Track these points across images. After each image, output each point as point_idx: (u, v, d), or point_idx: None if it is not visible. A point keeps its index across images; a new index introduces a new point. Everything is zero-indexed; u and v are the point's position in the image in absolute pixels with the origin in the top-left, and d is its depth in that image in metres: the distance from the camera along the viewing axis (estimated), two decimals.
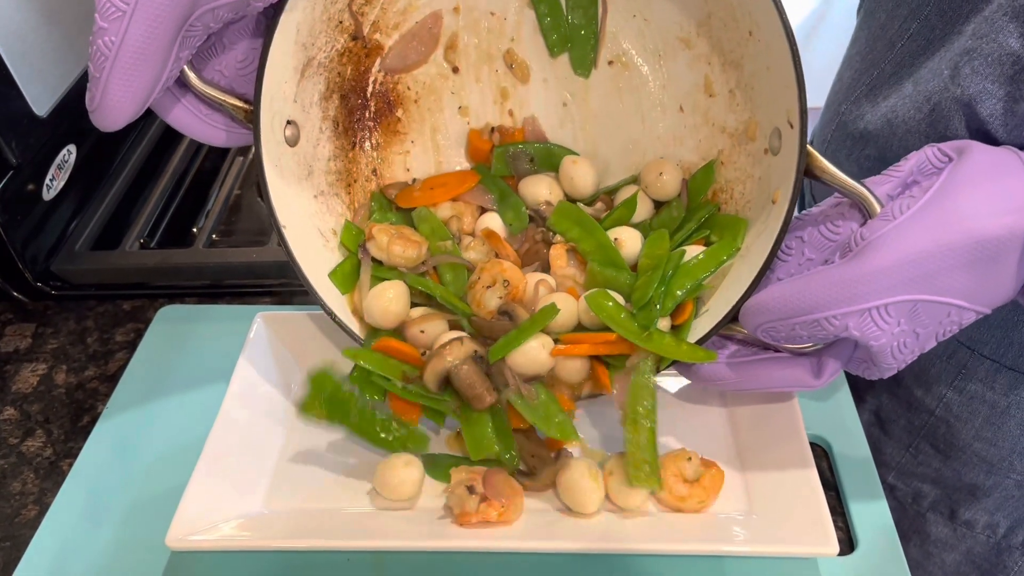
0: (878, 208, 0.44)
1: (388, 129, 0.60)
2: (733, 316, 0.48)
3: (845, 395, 0.65)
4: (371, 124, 0.59)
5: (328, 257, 0.55)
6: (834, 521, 0.50)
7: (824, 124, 0.73)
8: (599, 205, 0.59)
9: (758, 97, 0.52)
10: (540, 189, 0.59)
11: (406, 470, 0.52)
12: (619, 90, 0.59)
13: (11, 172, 0.69)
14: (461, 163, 0.62)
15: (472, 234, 0.59)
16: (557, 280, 0.55)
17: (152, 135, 0.89)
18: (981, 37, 0.51)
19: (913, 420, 0.69)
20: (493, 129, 0.61)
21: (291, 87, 0.52)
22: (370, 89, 0.58)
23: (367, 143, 0.59)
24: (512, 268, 0.54)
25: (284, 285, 0.76)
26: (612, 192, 0.60)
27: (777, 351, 0.49)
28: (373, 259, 0.56)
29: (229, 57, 0.49)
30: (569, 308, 0.52)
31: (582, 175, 0.59)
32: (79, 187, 0.79)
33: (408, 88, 0.59)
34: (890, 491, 0.73)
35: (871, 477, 0.59)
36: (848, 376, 0.68)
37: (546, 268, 0.56)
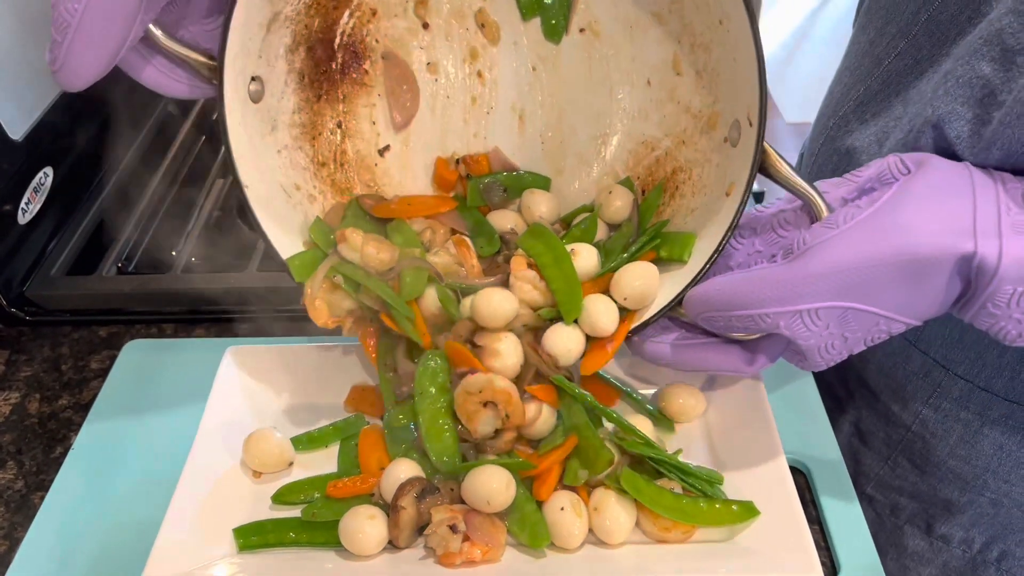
0: (825, 212, 0.45)
1: (355, 81, 0.59)
2: (679, 301, 0.50)
3: (823, 419, 0.65)
4: (338, 76, 0.58)
5: (291, 215, 0.55)
6: (816, 545, 0.50)
7: (813, 138, 0.73)
8: (556, 227, 0.59)
9: (723, 84, 0.53)
10: (506, 221, 0.60)
11: (370, 523, 0.50)
12: (589, 58, 0.59)
13: None
14: (425, 120, 0.61)
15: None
16: (515, 284, 0.54)
17: (131, 158, 0.88)
18: (959, 60, 0.52)
19: (891, 434, 0.70)
20: (459, 160, 0.61)
21: (256, 43, 0.51)
22: (337, 41, 0.57)
23: (333, 95, 0.58)
24: (514, 396, 0.52)
25: (264, 312, 0.75)
26: (569, 220, 0.60)
27: (717, 338, 0.51)
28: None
29: (193, 12, 0.48)
30: (547, 419, 0.53)
31: (538, 203, 0.60)
32: (56, 210, 0.78)
33: (376, 41, 0.59)
34: (869, 502, 0.74)
35: (851, 500, 0.60)
36: (830, 389, 0.68)
37: (506, 282, 0.55)
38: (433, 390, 0.54)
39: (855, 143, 0.65)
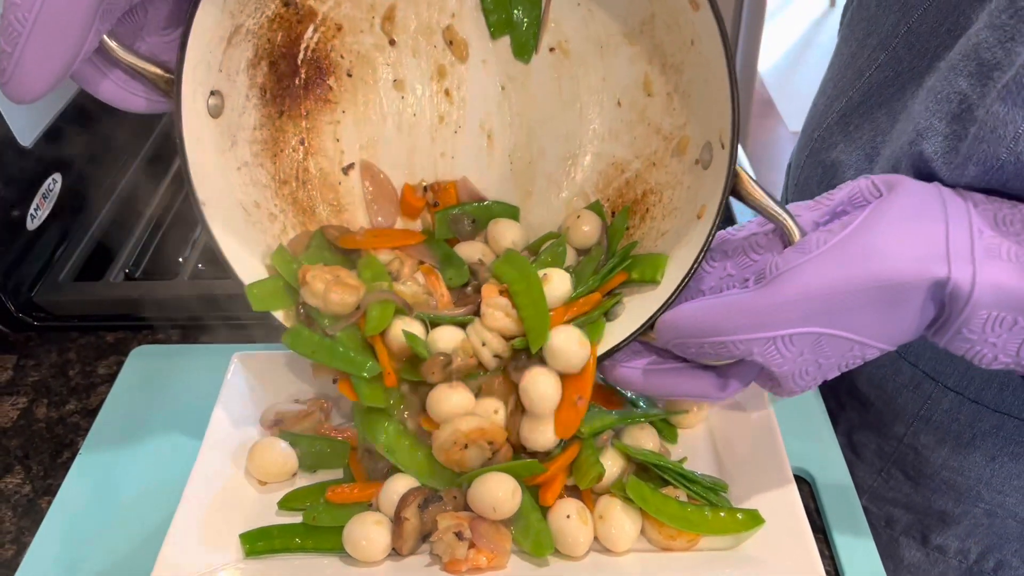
0: (797, 237, 0.45)
1: (319, 98, 0.58)
2: (650, 325, 0.49)
3: (827, 428, 0.65)
4: (301, 92, 0.57)
5: (250, 232, 0.53)
6: (820, 553, 0.50)
7: (799, 149, 0.73)
8: (524, 255, 0.58)
9: (695, 106, 0.52)
10: (474, 252, 0.59)
11: (375, 529, 0.50)
12: (559, 78, 0.58)
13: None
14: (391, 138, 0.60)
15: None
16: (486, 312, 0.53)
17: (138, 164, 0.89)
18: (940, 75, 0.52)
19: (883, 446, 0.70)
20: (426, 188, 0.60)
21: (216, 56, 0.50)
22: (301, 56, 0.56)
23: (296, 111, 0.57)
24: (490, 427, 0.52)
25: (270, 319, 0.75)
26: (536, 248, 0.59)
27: (688, 363, 0.50)
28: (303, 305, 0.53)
29: (151, 23, 0.47)
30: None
31: (504, 233, 0.59)
32: (64, 216, 0.78)
33: (342, 57, 0.57)
34: (864, 514, 0.73)
35: (855, 509, 0.60)
36: (823, 400, 0.68)
37: (476, 311, 0.54)
38: (407, 443, 0.53)
39: (840, 156, 0.64)
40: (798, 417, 0.65)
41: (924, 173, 0.49)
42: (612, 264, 0.54)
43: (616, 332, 0.51)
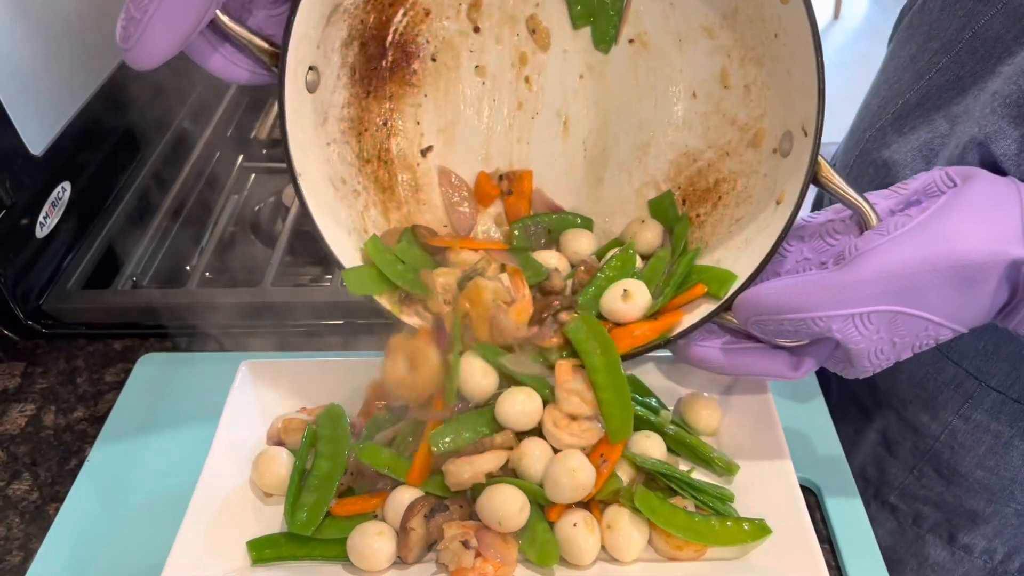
0: (875, 221, 0.46)
1: (403, 81, 0.60)
2: (727, 306, 0.50)
3: (833, 438, 0.65)
4: (387, 74, 0.59)
5: (337, 207, 0.56)
6: (827, 564, 0.50)
7: (847, 150, 0.74)
8: (592, 261, 0.59)
9: (774, 97, 0.53)
10: (550, 259, 0.60)
11: (378, 540, 0.50)
12: (636, 69, 0.60)
13: (4, 211, 0.69)
14: (470, 122, 0.62)
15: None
16: (562, 396, 0.53)
17: (147, 173, 0.89)
18: (1008, 80, 0.53)
19: (918, 444, 0.71)
20: (502, 176, 0.62)
21: (317, 32, 0.52)
22: (390, 39, 0.58)
23: (381, 92, 0.59)
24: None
25: (278, 327, 0.75)
26: (601, 254, 0.60)
27: (762, 343, 0.51)
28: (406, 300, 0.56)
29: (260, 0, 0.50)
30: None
31: (578, 240, 0.61)
32: (73, 224, 0.79)
33: (427, 42, 0.59)
34: (891, 511, 0.74)
35: (861, 519, 0.60)
36: (856, 398, 0.68)
37: (548, 335, 0.55)
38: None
39: (894, 156, 0.66)
40: (805, 428, 0.65)
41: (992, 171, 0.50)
42: (680, 274, 0.55)
43: (696, 312, 0.52)
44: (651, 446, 0.56)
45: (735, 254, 0.53)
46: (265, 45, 0.50)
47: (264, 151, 0.97)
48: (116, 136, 0.85)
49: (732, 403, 0.61)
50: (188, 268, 0.84)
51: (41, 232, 0.74)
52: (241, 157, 0.97)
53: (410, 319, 0.55)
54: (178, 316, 0.75)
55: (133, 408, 0.67)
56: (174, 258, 0.85)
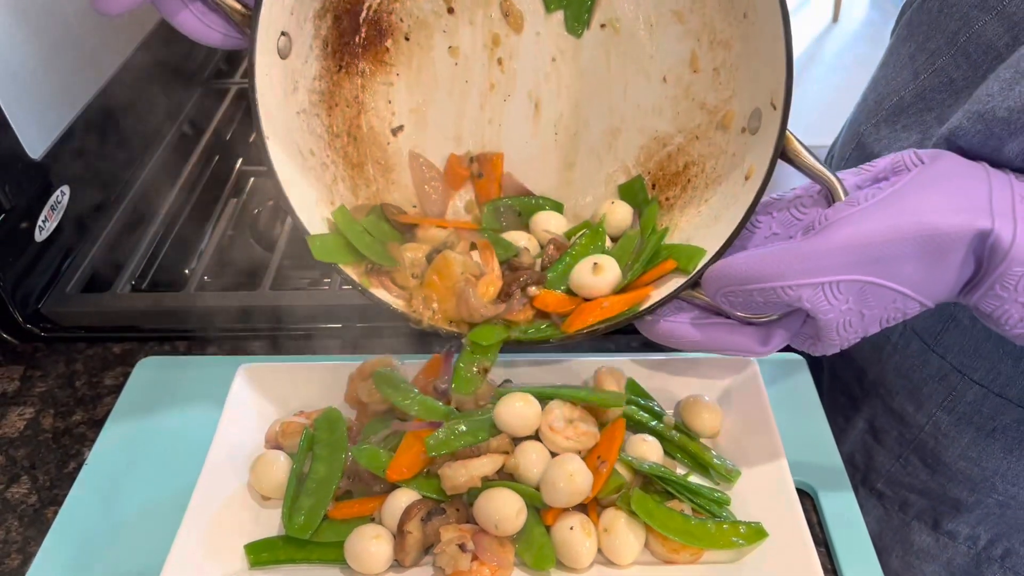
0: (843, 195, 0.47)
1: (375, 58, 0.60)
2: (695, 281, 0.50)
3: (829, 442, 0.65)
4: (359, 50, 0.59)
5: (306, 178, 0.55)
6: (822, 567, 0.50)
7: (845, 142, 0.74)
8: (561, 241, 0.59)
9: (742, 77, 0.54)
10: (519, 239, 0.60)
11: (376, 543, 0.51)
12: (607, 54, 0.60)
13: (3, 215, 0.69)
14: (442, 103, 0.62)
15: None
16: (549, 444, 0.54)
17: (145, 177, 0.89)
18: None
19: (904, 433, 0.71)
20: (472, 159, 0.62)
21: None
22: (363, 15, 0.58)
23: (353, 68, 0.59)
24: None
25: (276, 330, 0.75)
26: (571, 235, 0.60)
27: (730, 318, 0.51)
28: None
29: None
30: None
31: (547, 221, 0.61)
32: (72, 228, 0.79)
33: (401, 20, 0.60)
34: (878, 498, 0.75)
35: (857, 522, 0.60)
36: (846, 388, 0.69)
37: (515, 307, 0.55)
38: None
39: (884, 151, 0.66)
40: (801, 432, 0.65)
41: None
42: (649, 250, 0.55)
43: (663, 288, 0.52)
44: (648, 450, 0.56)
45: (704, 232, 0.53)
46: (237, 5, 0.50)
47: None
48: (115, 140, 0.86)
49: (728, 406, 0.61)
50: (187, 272, 0.85)
51: (40, 236, 0.74)
52: (240, 161, 0.97)
53: (377, 291, 0.55)
54: (177, 320, 0.75)
55: (132, 411, 0.67)
56: (173, 262, 0.85)
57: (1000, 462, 0.66)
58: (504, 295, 0.55)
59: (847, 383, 0.76)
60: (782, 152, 0.48)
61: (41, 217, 0.74)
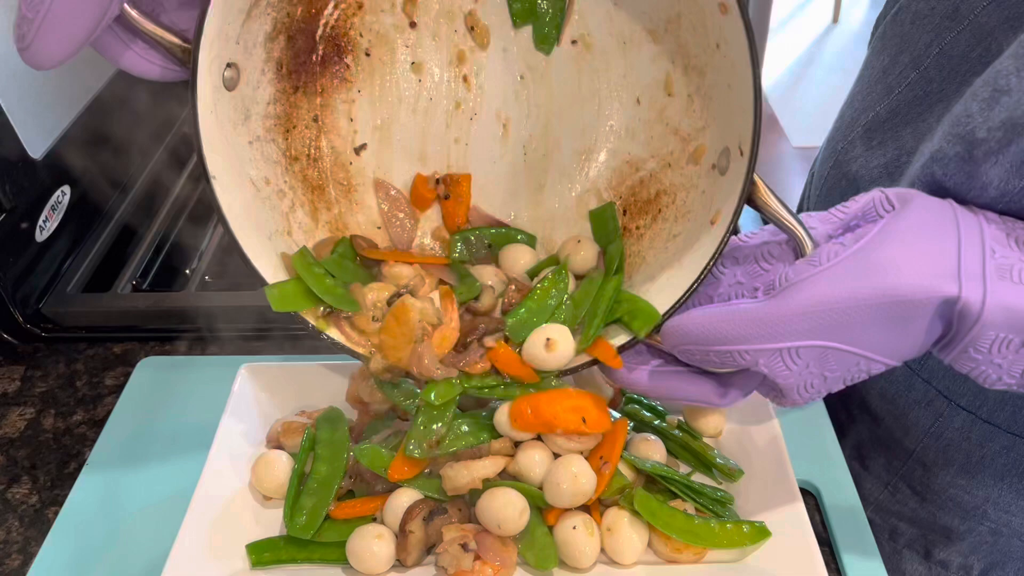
0: (810, 248, 0.45)
1: (335, 75, 0.57)
2: (657, 328, 0.49)
3: (832, 441, 0.65)
4: (317, 68, 0.56)
5: (260, 208, 0.53)
6: (826, 566, 0.50)
7: (823, 160, 0.73)
8: (524, 281, 0.58)
9: (716, 110, 0.52)
10: (486, 275, 0.58)
11: (378, 543, 0.51)
12: (579, 71, 0.58)
13: (3, 215, 0.69)
14: (406, 121, 0.59)
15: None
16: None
17: (146, 177, 0.89)
18: (961, 100, 0.52)
19: (892, 460, 0.70)
20: (439, 180, 0.60)
21: (235, 28, 0.49)
22: (320, 32, 0.55)
23: (311, 87, 0.56)
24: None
25: (277, 330, 0.75)
26: (535, 273, 0.58)
27: (691, 367, 0.50)
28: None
29: None
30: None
31: (516, 256, 0.59)
32: (72, 228, 0.79)
33: (360, 35, 0.57)
34: (869, 527, 0.74)
35: (860, 521, 0.60)
36: (832, 412, 0.68)
37: (472, 359, 0.54)
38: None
39: (860, 170, 0.65)
40: (804, 430, 0.65)
41: (943, 194, 0.49)
42: (608, 300, 0.53)
43: (622, 333, 0.51)
44: (651, 449, 0.56)
45: (667, 274, 0.52)
46: (178, 41, 0.47)
47: None
48: (115, 140, 0.86)
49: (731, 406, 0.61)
50: (188, 272, 0.84)
51: (41, 236, 0.74)
52: None
53: (334, 335, 0.53)
54: (178, 320, 0.75)
55: (132, 412, 0.67)
56: (174, 262, 0.85)
57: (991, 489, 0.65)
58: (461, 345, 0.54)
59: (832, 408, 0.74)
60: (749, 198, 0.46)
61: (42, 217, 0.74)
